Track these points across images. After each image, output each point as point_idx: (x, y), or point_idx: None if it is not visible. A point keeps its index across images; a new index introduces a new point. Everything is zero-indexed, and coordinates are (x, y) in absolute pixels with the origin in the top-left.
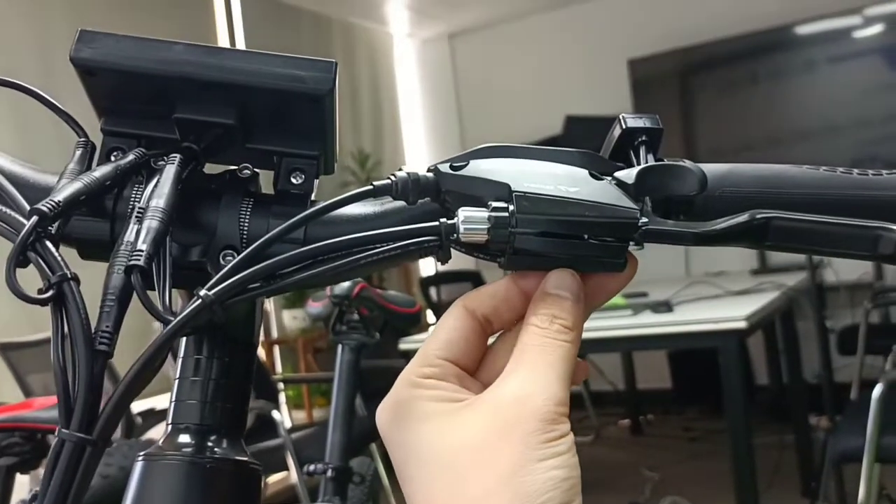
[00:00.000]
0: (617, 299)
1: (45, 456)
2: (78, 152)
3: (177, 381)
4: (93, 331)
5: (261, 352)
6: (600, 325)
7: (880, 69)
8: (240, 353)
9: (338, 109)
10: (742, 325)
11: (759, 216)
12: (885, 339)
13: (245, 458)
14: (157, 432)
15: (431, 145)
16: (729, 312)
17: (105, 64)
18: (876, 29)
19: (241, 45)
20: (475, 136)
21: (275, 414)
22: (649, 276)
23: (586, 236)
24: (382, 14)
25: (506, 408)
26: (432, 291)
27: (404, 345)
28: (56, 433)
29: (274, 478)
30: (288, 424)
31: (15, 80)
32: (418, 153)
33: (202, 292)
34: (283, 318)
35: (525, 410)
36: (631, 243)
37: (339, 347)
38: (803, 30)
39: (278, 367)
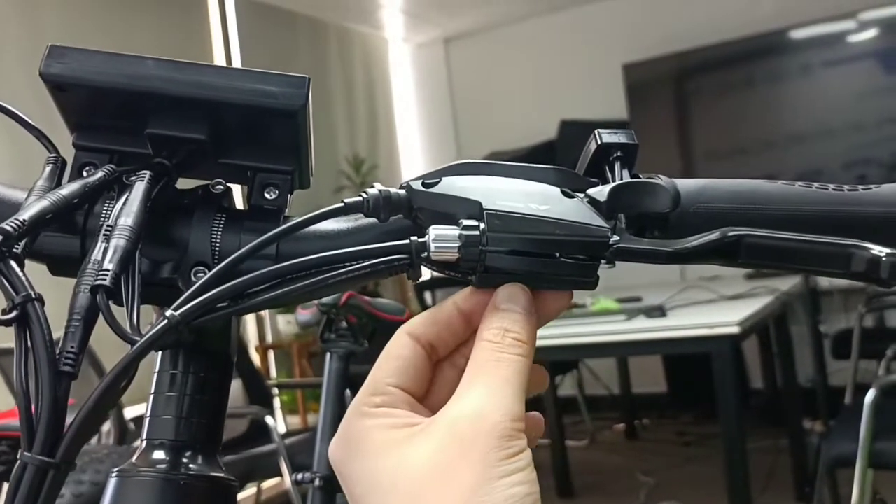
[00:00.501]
0: (610, 304)
1: None
2: (48, 168)
3: (152, 396)
4: (57, 351)
5: (255, 356)
6: (594, 331)
7: (875, 73)
8: (216, 367)
9: (334, 114)
10: (735, 330)
11: (730, 234)
12: (879, 344)
13: (220, 474)
14: None
15: (427, 150)
16: (722, 317)
17: (75, 80)
18: (870, 33)
19: (235, 49)
20: (470, 141)
21: (268, 419)
22: (643, 280)
23: (557, 254)
24: (378, 19)
25: (462, 427)
26: (427, 296)
27: None
28: (19, 456)
29: (267, 484)
30: (282, 430)
31: None
32: (413, 157)
33: (168, 312)
34: (277, 323)
35: (482, 428)
36: (602, 262)
37: (328, 356)
38: (798, 34)
39: (273, 372)
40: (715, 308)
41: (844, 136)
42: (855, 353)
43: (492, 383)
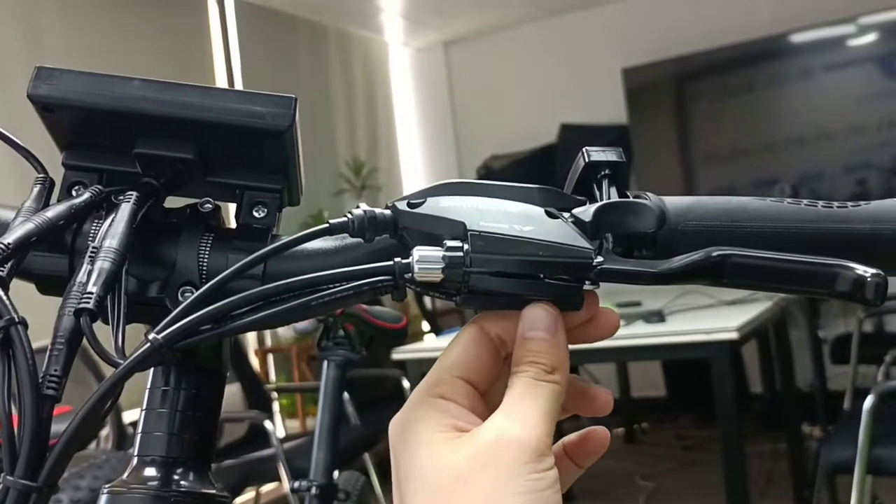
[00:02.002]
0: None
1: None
2: (35, 189)
3: (143, 413)
4: (40, 375)
5: (254, 360)
6: None
7: (874, 77)
8: (208, 383)
9: (334, 117)
10: (734, 335)
11: (714, 254)
12: (878, 349)
13: (212, 491)
14: None
15: (426, 153)
16: (721, 323)
17: (62, 101)
18: (870, 37)
19: (235, 54)
20: (470, 144)
21: (267, 424)
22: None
23: (541, 275)
24: (378, 23)
25: (488, 443)
26: (427, 300)
27: (397, 354)
28: (0, 480)
29: (266, 488)
30: (281, 434)
31: None
32: (413, 161)
33: (151, 335)
34: None
35: (505, 444)
36: (587, 282)
37: (325, 363)
38: (798, 38)
39: (272, 376)
40: (714, 313)
41: (844, 140)
42: (854, 358)
43: (522, 406)
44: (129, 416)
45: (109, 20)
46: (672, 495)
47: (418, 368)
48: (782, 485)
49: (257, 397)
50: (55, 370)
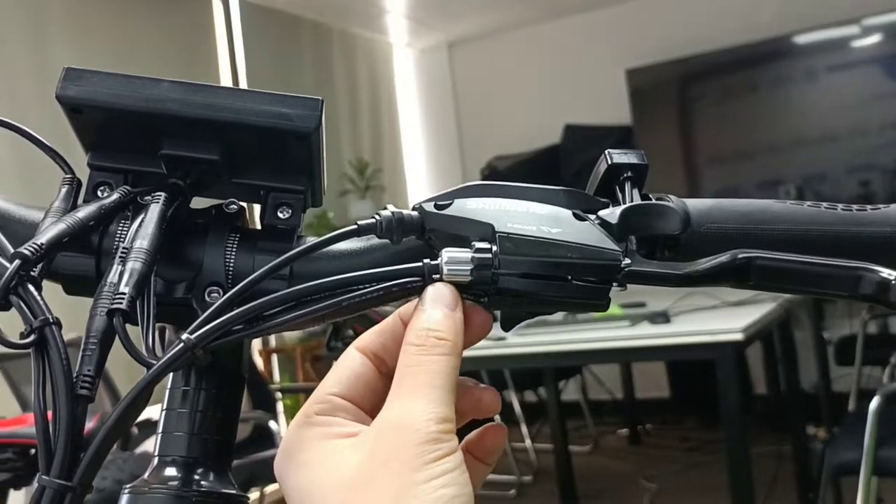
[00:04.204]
0: (614, 310)
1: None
2: (63, 189)
3: (164, 413)
4: (74, 375)
5: (259, 361)
6: (597, 336)
7: (878, 78)
8: (228, 384)
9: (338, 118)
10: (739, 336)
11: (740, 256)
12: (883, 350)
13: (232, 491)
14: (153, 444)
15: (430, 154)
16: (726, 324)
17: (91, 102)
18: (874, 39)
19: (240, 54)
20: (474, 145)
21: (272, 424)
22: (647, 286)
23: (569, 277)
24: (382, 24)
25: (386, 435)
26: None
27: None
28: (37, 480)
29: (270, 488)
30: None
31: (3, 119)
32: (417, 162)
33: (184, 336)
34: None
35: (405, 434)
36: (614, 284)
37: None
38: (802, 39)
39: (276, 377)
40: (719, 314)
41: (848, 141)
42: (858, 359)
43: (415, 387)
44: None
45: (114, 20)
46: (676, 497)
47: None
48: (787, 486)
49: (261, 398)
50: (88, 370)
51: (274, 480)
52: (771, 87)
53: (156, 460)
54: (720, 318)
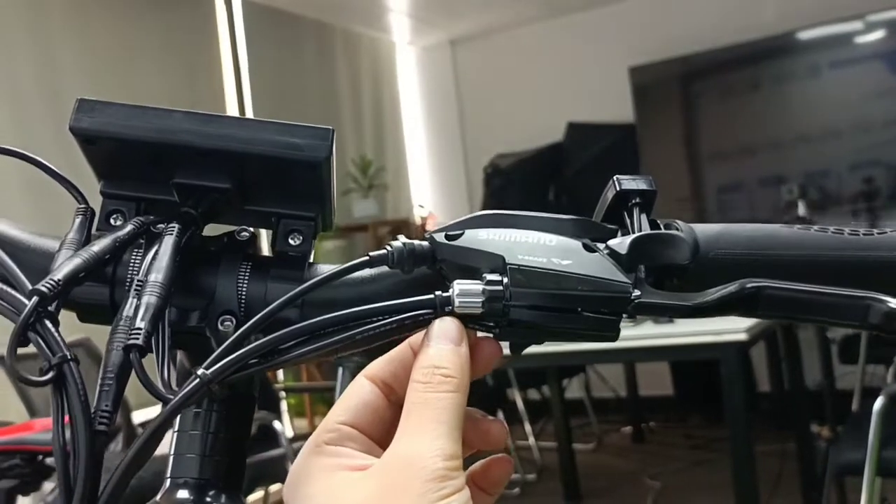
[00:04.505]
0: None
1: (45, 478)
2: (77, 220)
3: (175, 435)
4: (91, 410)
5: None
6: None
7: (882, 74)
8: (239, 405)
9: (341, 116)
10: (743, 336)
11: (749, 286)
12: (886, 349)
13: None
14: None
15: (433, 152)
16: (730, 324)
17: (105, 133)
18: (877, 34)
19: (242, 53)
20: (477, 143)
21: (276, 424)
22: None
23: (580, 309)
24: (384, 22)
25: (394, 471)
26: None
27: None
28: None
29: (274, 487)
30: (289, 434)
31: (9, 148)
32: (420, 160)
33: (200, 371)
34: None
35: (412, 471)
36: (624, 316)
37: (340, 370)
38: (805, 35)
39: (280, 376)
40: None
41: (851, 138)
42: (862, 357)
43: (421, 424)
44: (137, 416)
45: (117, 20)
46: (680, 495)
47: None
48: (791, 485)
49: (265, 397)
50: (106, 405)
51: (278, 480)
52: (774, 84)
53: (168, 482)
54: (724, 318)
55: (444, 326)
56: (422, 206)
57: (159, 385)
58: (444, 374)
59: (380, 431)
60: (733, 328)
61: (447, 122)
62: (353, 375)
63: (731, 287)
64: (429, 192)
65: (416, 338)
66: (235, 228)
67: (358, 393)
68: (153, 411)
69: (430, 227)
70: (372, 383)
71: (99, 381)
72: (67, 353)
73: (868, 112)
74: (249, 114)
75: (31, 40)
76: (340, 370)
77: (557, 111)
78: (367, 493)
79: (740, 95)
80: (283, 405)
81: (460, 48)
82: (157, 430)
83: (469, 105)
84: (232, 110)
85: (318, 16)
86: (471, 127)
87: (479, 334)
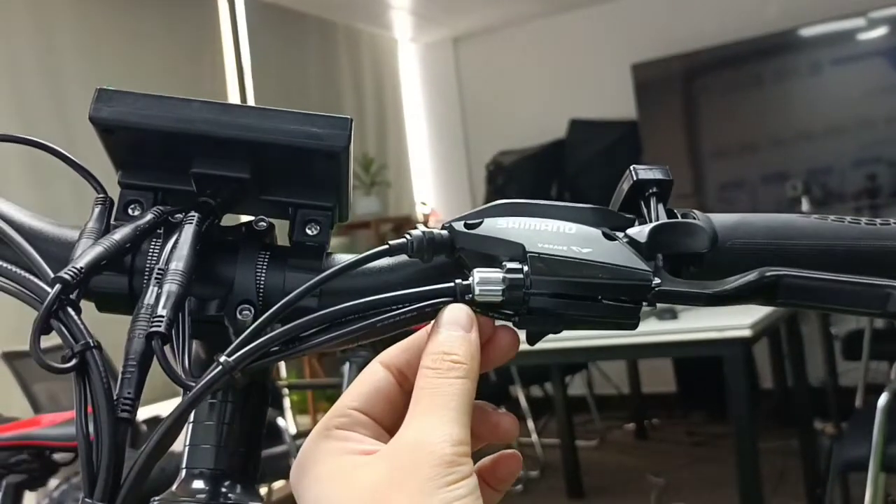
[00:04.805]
0: None
1: (52, 473)
2: (97, 209)
3: (191, 426)
4: (114, 397)
5: None
6: (604, 333)
7: (884, 71)
8: (254, 396)
9: (343, 113)
10: (747, 333)
11: (768, 274)
12: (890, 345)
13: (259, 503)
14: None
15: (436, 149)
16: (734, 320)
17: (124, 123)
18: (880, 31)
19: (245, 50)
20: (479, 140)
21: (279, 421)
22: None
23: (600, 297)
24: (387, 19)
25: (402, 456)
26: None
27: None
28: (80, 503)
29: (278, 484)
30: (293, 430)
31: (34, 139)
32: (422, 157)
33: (222, 358)
34: None
35: (420, 456)
36: (643, 303)
37: (347, 364)
38: (807, 32)
39: (283, 372)
40: (726, 310)
41: (854, 134)
42: (865, 354)
43: (431, 410)
44: (142, 413)
45: (120, 17)
46: (683, 491)
47: None
48: (794, 481)
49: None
50: (129, 392)
51: (281, 477)
52: (776, 81)
53: (183, 472)
54: (728, 315)
55: (454, 313)
56: (424, 204)
57: (180, 372)
58: (454, 360)
59: (391, 419)
60: (736, 325)
61: (449, 119)
62: (360, 370)
63: (751, 276)
64: (431, 190)
65: (431, 326)
66: (253, 218)
67: (371, 380)
68: (154, 409)
69: (432, 224)
70: (386, 370)
71: (121, 369)
72: (90, 340)
73: (870, 109)
74: None
75: (34, 38)
76: (347, 364)
77: (560, 108)
78: (374, 477)
79: (743, 92)
80: (286, 402)
81: (463, 45)
82: (180, 417)
83: (471, 102)
84: None
85: (321, 13)
86: (473, 124)
87: (498, 323)
